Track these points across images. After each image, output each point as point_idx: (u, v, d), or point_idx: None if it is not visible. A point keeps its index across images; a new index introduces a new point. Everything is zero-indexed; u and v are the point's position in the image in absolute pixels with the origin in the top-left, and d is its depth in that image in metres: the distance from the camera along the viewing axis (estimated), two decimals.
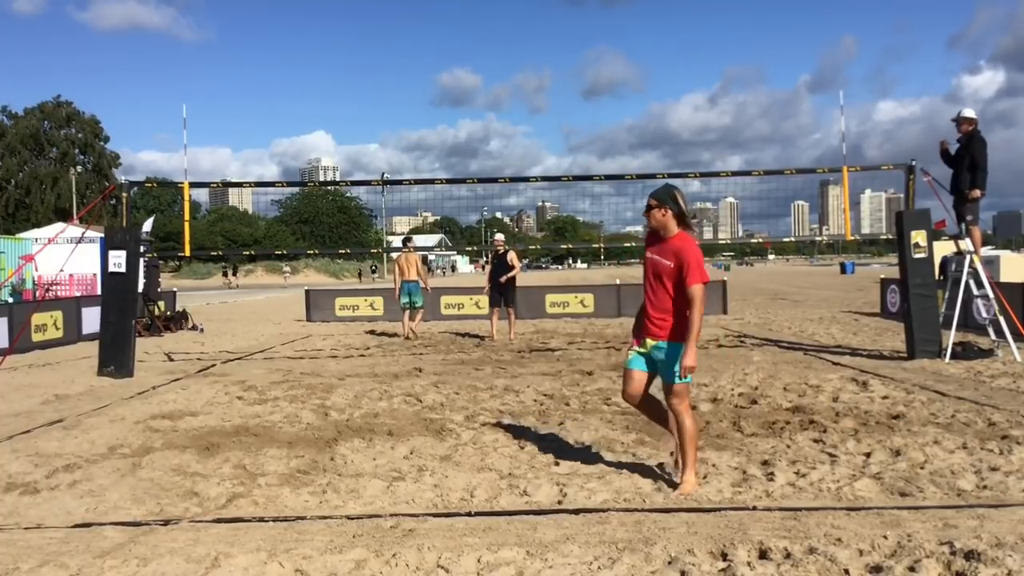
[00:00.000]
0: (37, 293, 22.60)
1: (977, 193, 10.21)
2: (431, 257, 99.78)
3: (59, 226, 29.57)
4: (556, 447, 5.85)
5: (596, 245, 69.33)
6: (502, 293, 14.09)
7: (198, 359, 12.27)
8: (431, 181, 13.20)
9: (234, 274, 68.65)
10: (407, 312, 14.64)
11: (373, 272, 75.32)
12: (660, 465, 5.24)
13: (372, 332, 16.74)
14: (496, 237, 17.08)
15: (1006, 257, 25.31)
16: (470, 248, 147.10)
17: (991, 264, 19.24)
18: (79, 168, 78.60)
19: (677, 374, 4.69)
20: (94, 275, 24.32)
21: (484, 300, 18.81)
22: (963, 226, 10.37)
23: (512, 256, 14.20)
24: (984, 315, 10.55)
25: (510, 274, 13.90)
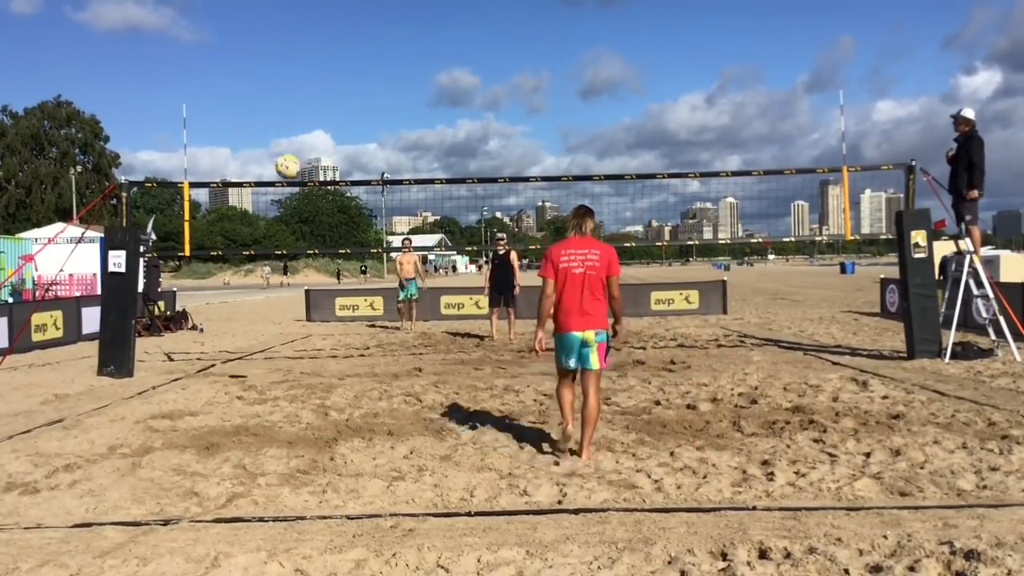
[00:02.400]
0: (37, 293, 22.60)
1: (975, 193, 10.21)
2: (431, 257, 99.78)
3: (59, 226, 29.57)
4: (556, 447, 5.85)
5: None
6: (502, 292, 14.13)
7: (198, 359, 12.27)
8: (431, 181, 13.18)
9: (284, 273, 67.81)
10: (404, 307, 16.45)
11: (364, 273, 73.07)
12: (661, 465, 5.25)
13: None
14: (499, 236, 17.31)
15: (1006, 257, 25.30)
16: (470, 248, 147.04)
17: (991, 264, 19.24)
18: (79, 168, 78.59)
19: None
20: (94, 275, 24.35)
21: (484, 300, 18.90)
22: (963, 226, 10.37)
23: (514, 256, 14.38)
24: (984, 315, 10.55)
25: (516, 281, 14.11)
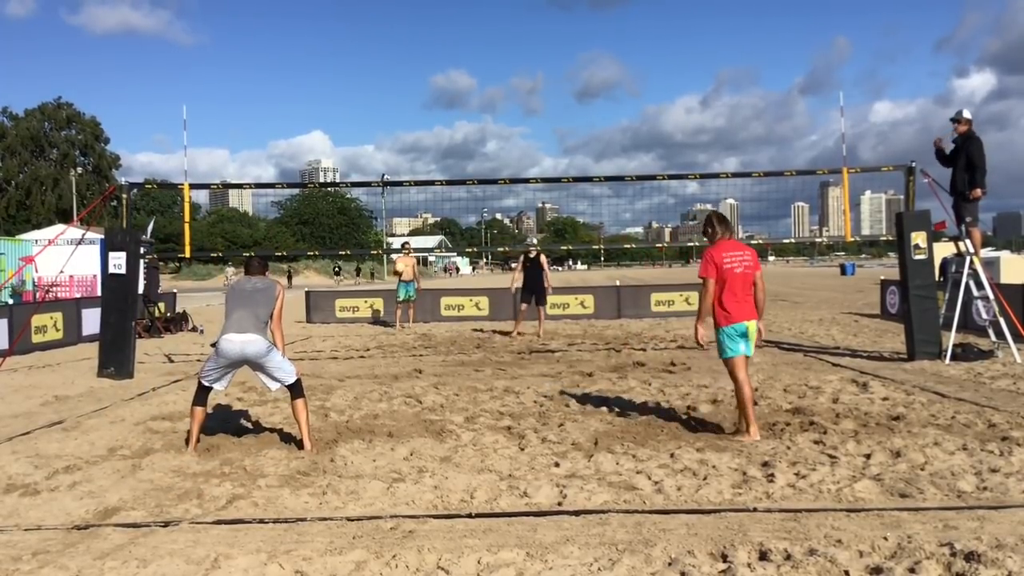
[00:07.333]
0: (37, 294, 22.59)
1: (978, 192, 10.20)
2: (431, 259, 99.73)
3: (59, 227, 29.57)
4: (556, 449, 5.85)
5: (596, 247, 68.99)
6: (533, 292, 14.70)
7: (198, 360, 12.26)
8: (430, 183, 13.18)
9: (359, 275, 65.78)
10: (401, 307, 17.24)
11: (337, 275, 67.26)
12: (661, 466, 5.25)
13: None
14: (531, 242, 17.86)
15: (1006, 258, 25.31)
16: (470, 249, 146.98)
17: (991, 265, 19.25)
18: (79, 169, 78.54)
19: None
20: (94, 276, 24.33)
21: (484, 301, 19.41)
22: (963, 227, 10.37)
23: (543, 259, 15.02)
24: (984, 316, 10.55)
25: (547, 282, 14.76)
